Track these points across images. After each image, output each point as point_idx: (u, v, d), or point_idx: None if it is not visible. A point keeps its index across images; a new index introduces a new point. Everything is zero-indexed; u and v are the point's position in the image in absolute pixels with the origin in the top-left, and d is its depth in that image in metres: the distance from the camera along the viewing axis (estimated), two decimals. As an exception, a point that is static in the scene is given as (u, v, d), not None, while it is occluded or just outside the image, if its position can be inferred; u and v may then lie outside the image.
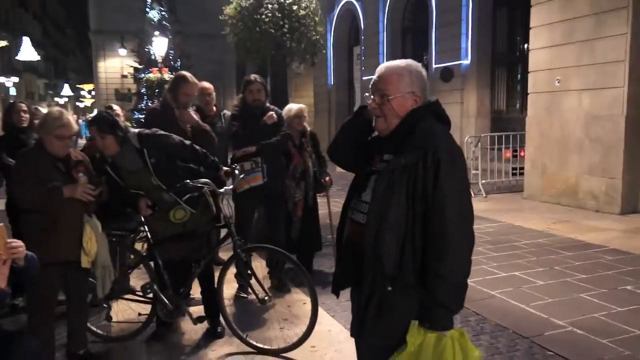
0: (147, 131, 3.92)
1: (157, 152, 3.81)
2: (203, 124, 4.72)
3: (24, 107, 4.97)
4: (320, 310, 3.97)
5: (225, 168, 4.20)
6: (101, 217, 3.73)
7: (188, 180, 3.75)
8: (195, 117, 4.67)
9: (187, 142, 4.01)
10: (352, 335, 2.41)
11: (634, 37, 8.03)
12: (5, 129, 5.03)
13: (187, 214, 3.96)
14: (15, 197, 3.54)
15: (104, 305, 4.04)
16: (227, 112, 5.80)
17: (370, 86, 2.28)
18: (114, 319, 4.16)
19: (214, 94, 5.83)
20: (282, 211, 5.11)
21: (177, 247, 4.00)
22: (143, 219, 3.94)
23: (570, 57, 8.97)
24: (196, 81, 4.67)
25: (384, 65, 2.28)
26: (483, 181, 10.39)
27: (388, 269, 2.13)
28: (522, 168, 10.33)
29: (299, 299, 4.87)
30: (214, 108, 5.81)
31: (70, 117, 3.52)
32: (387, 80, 2.21)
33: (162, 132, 3.95)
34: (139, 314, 4.11)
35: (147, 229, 3.95)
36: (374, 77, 2.25)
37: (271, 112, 4.85)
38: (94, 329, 4.10)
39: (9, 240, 2.35)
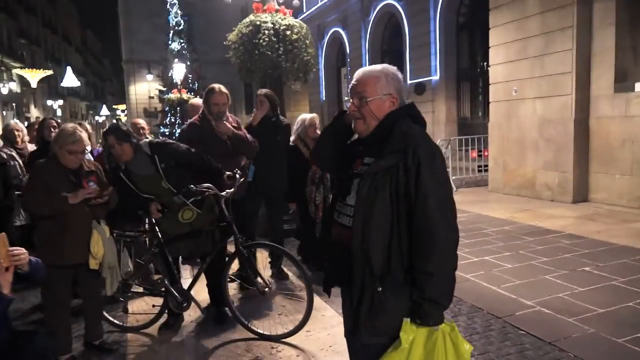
0: (157, 140, 3.65)
1: (166, 158, 3.52)
2: (240, 133, 4.11)
3: (54, 123, 4.66)
4: (315, 296, 3.62)
5: (227, 173, 3.82)
6: (118, 220, 3.38)
7: (192, 185, 3.40)
8: (231, 127, 4.06)
9: (193, 150, 3.67)
10: (345, 335, 2.06)
11: (578, 52, 7.72)
12: (38, 144, 4.73)
13: (194, 214, 3.63)
14: (23, 202, 3.16)
15: (121, 298, 3.68)
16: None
17: (349, 90, 1.99)
18: (130, 311, 3.80)
19: (202, 109, 5.53)
20: (279, 211, 4.69)
21: (184, 245, 3.67)
22: (154, 221, 3.58)
23: (524, 70, 8.66)
24: (224, 91, 4.08)
25: (362, 69, 1.98)
26: (453, 177, 10.04)
27: (377, 269, 1.81)
28: (486, 165, 10.03)
29: (297, 286, 4.51)
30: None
31: (83, 133, 3.16)
32: (364, 83, 1.91)
33: (171, 141, 3.69)
34: (153, 305, 3.76)
35: (157, 229, 3.59)
36: (353, 81, 1.95)
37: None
38: (112, 319, 3.75)
39: (10, 248, 2.00)
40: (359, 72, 1.96)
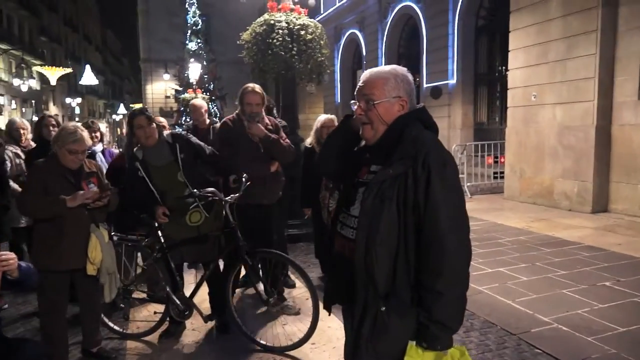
0: (177, 131, 3.74)
1: (187, 149, 3.49)
2: (273, 136, 3.81)
3: (52, 121, 4.48)
4: (320, 308, 3.46)
5: (233, 177, 3.69)
6: (124, 223, 3.28)
7: (195, 190, 3.27)
8: (264, 129, 3.81)
9: (209, 147, 3.69)
10: (345, 358, 1.91)
11: (602, 56, 7.47)
12: (36, 142, 4.53)
13: (202, 217, 3.50)
14: (19, 203, 3.04)
15: (121, 305, 3.57)
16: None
17: (355, 93, 1.83)
18: (131, 317, 3.70)
19: (202, 109, 5.50)
20: (278, 218, 4.35)
21: (188, 251, 3.52)
22: (157, 225, 3.45)
23: (544, 75, 8.43)
24: (259, 91, 3.82)
25: (369, 70, 1.82)
26: (468, 184, 9.84)
27: (381, 286, 1.66)
28: (502, 172, 9.80)
29: (301, 294, 4.37)
30: (206, 122, 5.51)
31: (85, 133, 3.04)
32: (372, 84, 1.76)
33: (191, 135, 3.77)
34: (155, 312, 3.65)
35: (160, 233, 3.46)
36: (359, 82, 1.80)
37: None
38: (112, 325, 3.64)
39: None
40: (365, 74, 1.81)
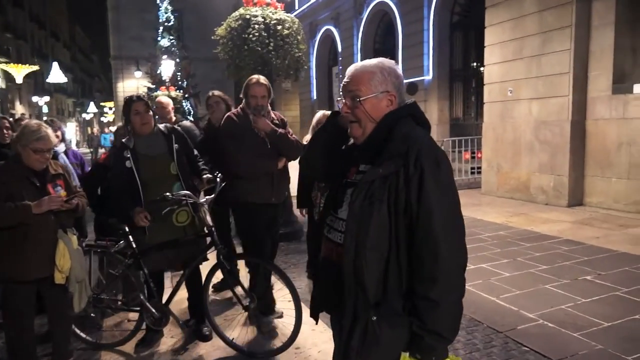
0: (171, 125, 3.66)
1: (181, 141, 3.43)
2: (281, 131, 3.56)
3: (6, 123, 4.17)
4: (303, 307, 3.32)
5: (207, 176, 3.49)
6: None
7: (168, 193, 3.09)
8: (270, 123, 3.55)
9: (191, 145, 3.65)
10: None
11: (576, 52, 7.54)
12: None
13: (190, 217, 3.32)
14: None
15: (92, 314, 3.37)
16: (186, 123, 5.14)
17: (340, 89, 1.73)
18: (104, 327, 3.50)
19: (169, 107, 5.24)
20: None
21: (163, 256, 3.32)
22: (127, 229, 3.24)
23: (520, 71, 8.48)
24: (264, 82, 3.55)
25: (355, 65, 1.70)
26: (446, 179, 9.85)
27: (371, 294, 1.55)
28: (479, 167, 9.85)
29: (283, 296, 4.21)
30: (172, 120, 5.23)
31: (49, 130, 2.83)
32: (357, 80, 1.64)
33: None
34: (128, 320, 3.46)
35: (132, 238, 3.26)
36: (345, 78, 1.69)
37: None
38: (83, 336, 3.42)
39: None
40: (351, 68, 1.69)
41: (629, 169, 7.08)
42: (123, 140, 3.35)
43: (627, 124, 7.09)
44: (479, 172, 9.82)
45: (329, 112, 4.59)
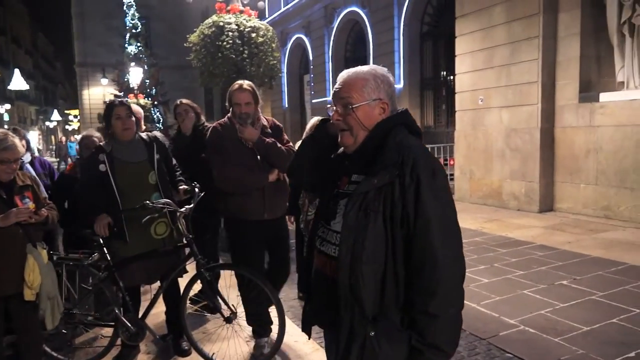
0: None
1: (162, 151, 3.35)
2: (268, 140, 3.27)
3: None
4: (287, 320, 3.24)
5: (182, 187, 3.36)
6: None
7: (147, 202, 2.98)
8: (257, 132, 3.27)
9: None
10: None
11: (544, 61, 7.75)
12: None
13: (168, 229, 3.20)
14: None
15: (63, 330, 3.19)
16: (156, 133, 5.04)
17: (331, 96, 1.69)
18: (77, 344, 3.32)
19: (139, 116, 4.99)
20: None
21: (140, 269, 3.18)
22: (102, 241, 3.09)
23: (491, 79, 8.66)
24: (248, 87, 3.28)
25: (346, 71, 1.66)
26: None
27: (368, 309, 1.51)
28: (452, 174, 9.93)
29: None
30: (142, 128, 4.89)
31: (16, 139, 2.68)
32: (350, 86, 1.61)
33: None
34: (102, 336, 3.30)
35: (106, 250, 3.11)
36: (336, 85, 1.65)
37: None
38: (55, 355, 3.23)
39: None
40: (343, 75, 1.66)
41: (596, 175, 7.28)
42: (101, 143, 3.25)
43: (593, 132, 7.30)
44: (452, 179, 9.92)
45: (318, 118, 4.54)
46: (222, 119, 3.47)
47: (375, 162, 1.55)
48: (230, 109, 3.35)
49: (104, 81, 28.46)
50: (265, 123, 3.42)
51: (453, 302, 1.50)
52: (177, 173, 3.52)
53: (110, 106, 3.21)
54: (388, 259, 1.50)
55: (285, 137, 3.50)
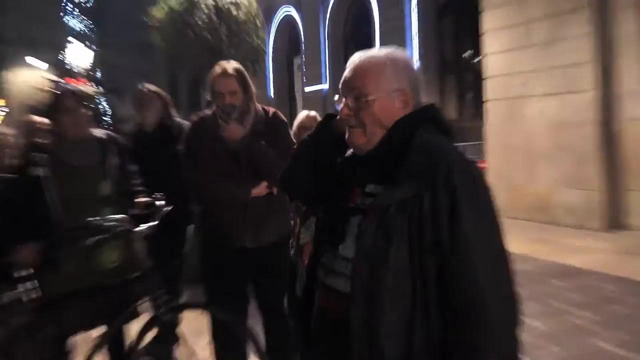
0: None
1: (122, 154, 3.27)
2: (257, 144, 3.09)
3: None
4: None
5: (142, 200, 3.19)
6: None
7: (98, 217, 2.83)
8: (241, 129, 3.07)
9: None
10: None
11: (598, 36, 7.53)
12: None
13: (121, 255, 3.04)
14: None
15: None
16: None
17: (340, 86, 1.69)
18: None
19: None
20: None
21: (76, 312, 2.95)
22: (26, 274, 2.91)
23: (529, 61, 8.50)
24: (232, 72, 3.05)
25: (358, 55, 1.67)
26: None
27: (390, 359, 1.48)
28: (482, 181, 9.80)
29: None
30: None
31: None
32: (363, 74, 1.62)
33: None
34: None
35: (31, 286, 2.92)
36: (346, 72, 1.67)
37: None
38: None
39: None
40: (354, 59, 1.66)
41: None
42: (37, 139, 3.15)
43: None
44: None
45: (313, 113, 4.24)
46: (207, 110, 3.33)
47: (397, 169, 1.53)
48: (214, 101, 3.17)
49: (35, 62, 28.05)
50: (261, 112, 3.24)
51: (505, 344, 1.45)
52: (136, 182, 3.37)
53: (55, 95, 3.10)
54: (417, 294, 1.46)
55: (289, 136, 3.38)
